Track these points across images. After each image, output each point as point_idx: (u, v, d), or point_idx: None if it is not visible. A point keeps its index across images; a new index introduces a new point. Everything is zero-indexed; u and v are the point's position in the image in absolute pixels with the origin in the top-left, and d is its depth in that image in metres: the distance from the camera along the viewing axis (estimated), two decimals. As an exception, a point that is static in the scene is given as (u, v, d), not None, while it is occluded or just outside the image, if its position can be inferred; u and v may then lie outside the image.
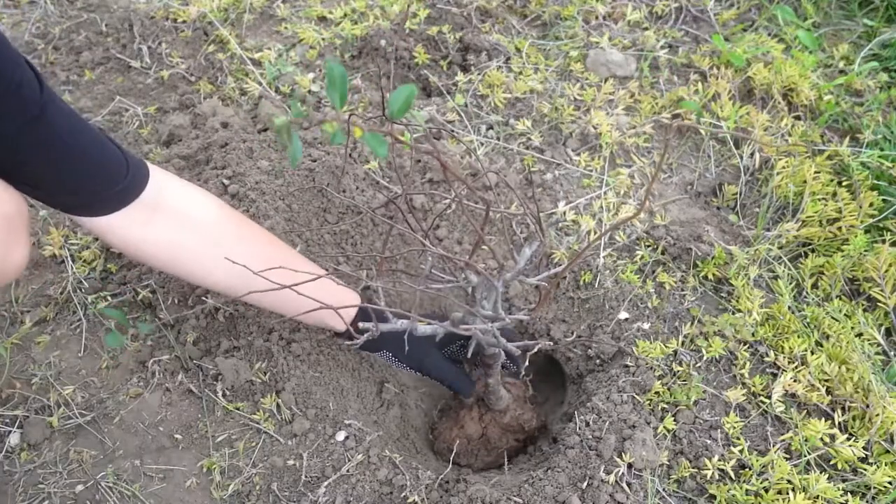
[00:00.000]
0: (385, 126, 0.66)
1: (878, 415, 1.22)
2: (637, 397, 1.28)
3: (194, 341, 1.36)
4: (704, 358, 1.33)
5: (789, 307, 1.37)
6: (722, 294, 1.44)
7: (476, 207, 1.10)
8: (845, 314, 1.38)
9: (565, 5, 1.93)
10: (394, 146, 0.84)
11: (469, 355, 1.22)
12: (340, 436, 1.27)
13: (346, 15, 1.91)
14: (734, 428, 1.24)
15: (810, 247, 1.50)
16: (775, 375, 1.31)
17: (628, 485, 1.18)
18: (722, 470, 1.21)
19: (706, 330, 1.37)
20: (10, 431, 1.27)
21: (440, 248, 1.47)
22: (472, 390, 1.34)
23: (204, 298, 1.37)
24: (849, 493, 1.17)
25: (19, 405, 1.30)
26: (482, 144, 1.64)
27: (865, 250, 1.42)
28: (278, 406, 1.29)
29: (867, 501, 1.18)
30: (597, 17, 1.92)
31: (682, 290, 1.43)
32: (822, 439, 1.22)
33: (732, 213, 1.58)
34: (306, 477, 1.22)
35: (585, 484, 1.17)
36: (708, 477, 1.20)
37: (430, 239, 1.44)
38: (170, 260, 1.09)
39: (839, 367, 1.29)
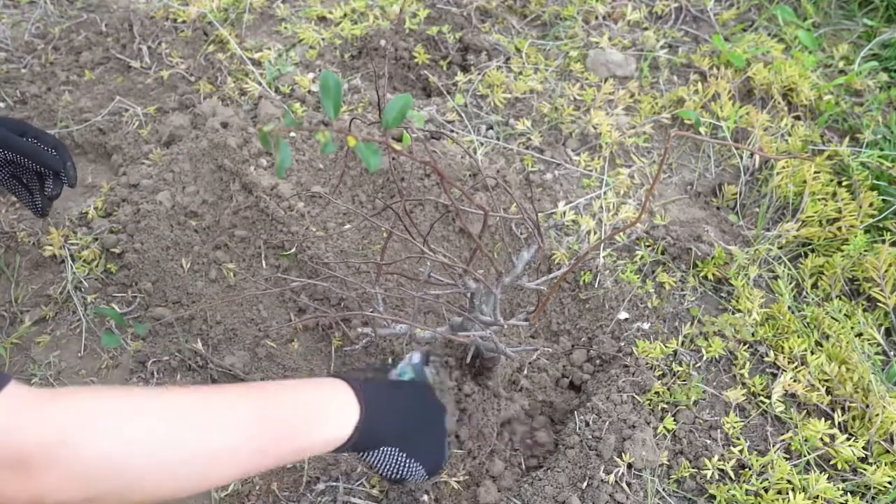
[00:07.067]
0: (381, 135, 0.66)
1: (878, 415, 1.22)
2: (637, 397, 1.28)
3: (195, 341, 1.36)
4: (704, 358, 1.33)
5: (789, 307, 1.37)
6: (722, 294, 1.44)
7: (474, 212, 1.10)
8: (845, 314, 1.38)
9: (565, 5, 1.93)
10: (389, 152, 0.84)
11: (468, 360, 1.22)
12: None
13: (345, 15, 1.91)
14: (734, 428, 1.24)
15: (810, 247, 1.50)
16: (775, 375, 1.31)
17: (628, 485, 1.18)
18: (722, 470, 1.21)
19: (706, 330, 1.37)
20: (9, 431, 1.26)
21: (440, 247, 1.47)
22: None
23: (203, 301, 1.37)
24: (849, 493, 1.17)
25: (19, 405, 1.29)
26: (482, 144, 1.64)
27: (865, 250, 1.42)
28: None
29: (867, 501, 1.18)
30: (597, 17, 1.92)
31: (682, 290, 1.43)
32: (821, 439, 1.22)
33: (732, 213, 1.58)
34: (306, 477, 1.22)
35: (585, 484, 1.18)
36: (708, 477, 1.20)
37: (429, 241, 1.44)
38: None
39: (839, 367, 1.29)
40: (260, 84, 1.74)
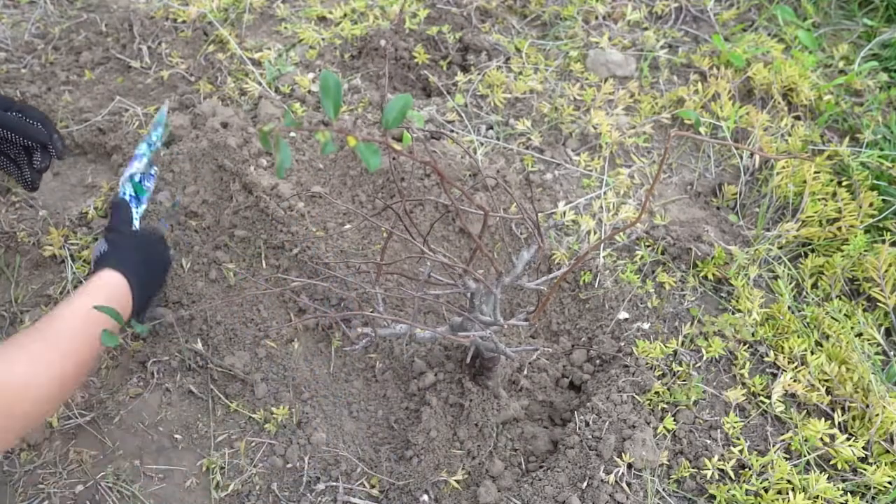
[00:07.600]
0: (381, 135, 0.66)
1: (877, 415, 1.22)
2: (637, 397, 1.28)
3: (195, 341, 1.36)
4: (704, 358, 1.33)
5: (789, 307, 1.37)
6: (722, 294, 1.44)
7: (474, 212, 1.10)
8: (845, 314, 1.38)
9: (565, 5, 1.93)
10: (389, 153, 0.85)
11: (468, 360, 1.22)
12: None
13: (345, 15, 1.91)
14: (734, 428, 1.24)
15: (810, 247, 1.50)
16: (775, 375, 1.31)
17: (628, 485, 1.18)
18: (722, 470, 1.21)
19: (706, 330, 1.37)
20: (9, 431, 1.26)
21: (440, 247, 1.47)
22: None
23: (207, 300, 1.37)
24: (849, 493, 1.17)
25: (19, 405, 1.29)
26: (482, 144, 1.64)
27: (865, 250, 1.42)
28: (291, 414, 1.29)
29: (867, 501, 1.18)
30: (597, 17, 1.92)
31: (682, 290, 1.43)
32: (821, 439, 1.22)
33: (732, 213, 1.58)
34: (306, 477, 1.22)
35: (585, 484, 1.18)
36: (708, 477, 1.20)
37: (430, 241, 1.44)
38: None
39: (839, 367, 1.29)
40: (260, 84, 1.74)
